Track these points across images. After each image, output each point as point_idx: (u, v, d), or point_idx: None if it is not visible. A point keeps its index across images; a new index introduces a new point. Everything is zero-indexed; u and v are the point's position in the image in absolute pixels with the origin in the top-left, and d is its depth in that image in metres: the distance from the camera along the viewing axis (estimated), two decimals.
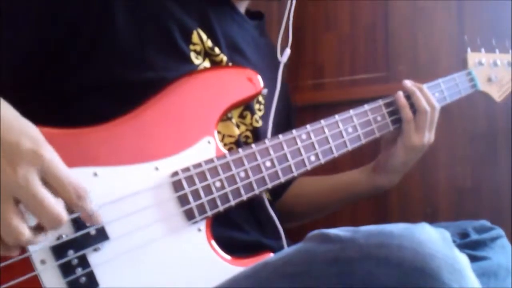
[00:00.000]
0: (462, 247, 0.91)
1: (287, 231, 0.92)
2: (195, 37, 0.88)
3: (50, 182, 0.57)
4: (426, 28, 1.67)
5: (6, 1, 0.74)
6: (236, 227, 0.87)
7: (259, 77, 0.86)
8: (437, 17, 1.66)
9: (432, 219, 1.56)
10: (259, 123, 0.95)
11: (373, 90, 1.69)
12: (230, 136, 0.89)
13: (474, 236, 0.95)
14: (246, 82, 0.85)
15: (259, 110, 0.97)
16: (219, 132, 0.87)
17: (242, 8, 1.03)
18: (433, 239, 0.58)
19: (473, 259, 0.88)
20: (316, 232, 0.65)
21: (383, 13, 1.75)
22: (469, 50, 1.18)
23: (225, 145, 0.88)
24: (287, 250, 0.67)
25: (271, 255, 0.81)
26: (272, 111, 0.92)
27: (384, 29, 1.75)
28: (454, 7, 1.63)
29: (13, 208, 0.55)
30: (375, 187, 1.09)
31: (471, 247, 0.93)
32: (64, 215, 0.58)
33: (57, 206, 0.57)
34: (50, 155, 0.58)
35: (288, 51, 0.94)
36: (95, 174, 0.70)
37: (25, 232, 0.56)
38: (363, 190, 1.11)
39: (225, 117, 0.87)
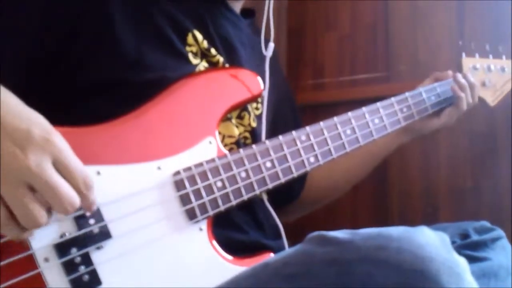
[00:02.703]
0: (462, 247, 0.92)
1: (287, 231, 0.93)
2: (190, 39, 0.88)
3: (60, 170, 0.58)
4: (426, 28, 1.67)
5: (4, 4, 0.75)
6: (235, 228, 0.87)
7: (260, 79, 0.87)
8: (437, 17, 1.66)
9: (432, 219, 1.57)
10: (255, 123, 0.95)
11: (373, 90, 1.70)
12: (230, 136, 0.90)
13: (474, 237, 0.95)
14: (247, 84, 0.85)
15: (257, 109, 0.98)
16: (219, 133, 0.87)
17: (237, 7, 1.03)
18: (432, 242, 0.58)
19: (473, 259, 0.88)
20: (315, 234, 0.65)
21: (383, 13, 1.76)
22: (464, 55, 1.19)
23: (225, 145, 0.89)
24: (286, 251, 0.68)
25: (272, 255, 0.81)
26: (264, 110, 0.92)
27: (384, 29, 1.75)
28: (454, 7, 1.63)
29: (28, 193, 0.56)
30: (399, 146, 1.18)
31: (472, 247, 0.93)
32: (77, 200, 0.59)
33: (71, 191, 0.58)
34: (61, 143, 0.59)
35: (272, 45, 0.94)
36: (98, 173, 0.71)
37: (43, 214, 0.57)
38: (391, 150, 1.18)
39: (225, 118, 0.87)
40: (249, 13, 1.10)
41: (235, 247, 0.82)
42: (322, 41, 1.86)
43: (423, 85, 1.12)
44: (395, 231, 0.60)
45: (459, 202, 1.56)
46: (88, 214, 0.68)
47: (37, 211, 0.57)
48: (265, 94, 0.92)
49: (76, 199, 0.59)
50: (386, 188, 1.67)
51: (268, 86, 0.92)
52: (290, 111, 1.16)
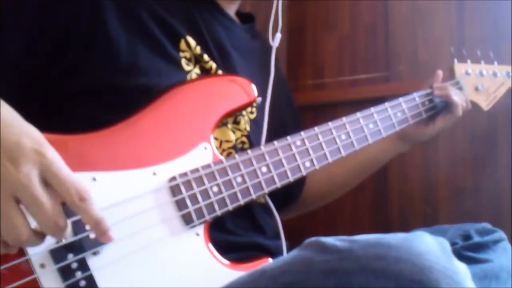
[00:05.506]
0: (464, 249, 0.91)
1: (286, 232, 0.92)
2: (182, 45, 0.88)
3: (51, 182, 0.58)
4: (426, 28, 1.67)
5: None
6: (232, 232, 0.87)
7: (253, 86, 0.87)
8: (437, 17, 1.66)
9: (432, 219, 1.57)
10: (249, 127, 0.95)
11: (373, 90, 1.70)
12: (227, 141, 0.90)
13: (476, 239, 0.94)
14: (240, 91, 0.86)
15: (251, 113, 0.98)
16: (216, 139, 0.88)
17: (231, 11, 1.02)
18: (431, 250, 0.57)
19: (475, 261, 0.88)
20: (313, 240, 0.64)
21: (383, 13, 1.75)
22: (455, 60, 1.20)
23: (223, 150, 0.89)
24: (284, 257, 0.67)
25: (270, 260, 0.81)
26: (266, 113, 0.92)
27: (384, 29, 1.75)
28: (454, 7, 1.63)
29: (14, 207, 0.56)
30: (397, 153, 1.19)
31: (473, 249, 0.92)
32: (63, 222, 0.58)
33: (55, 212, 0.57)
34: (52, 155, 0.58)
35: (279, 35, 0.95)
36: (94, 179, 0.71)
37: (26, 231, 0.56)
38: (388, 157, 1.19)
39: (221, 123, 0.88)
40: (248, 18, 1.09)
41: (232, 248, 0.82)
42: (322, 41, 1.86)
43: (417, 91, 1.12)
44: (394, 239, 0.59)
45: (459, 202, 1.56)
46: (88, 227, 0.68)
47: (20, 226, 0.56)
48: (270, 88, 0.93)
49: (61, 219, 0.58)
50: (386, 189, 1.66)
51: (273, 76, 0.93)
52: (291, 115, 1.16)
